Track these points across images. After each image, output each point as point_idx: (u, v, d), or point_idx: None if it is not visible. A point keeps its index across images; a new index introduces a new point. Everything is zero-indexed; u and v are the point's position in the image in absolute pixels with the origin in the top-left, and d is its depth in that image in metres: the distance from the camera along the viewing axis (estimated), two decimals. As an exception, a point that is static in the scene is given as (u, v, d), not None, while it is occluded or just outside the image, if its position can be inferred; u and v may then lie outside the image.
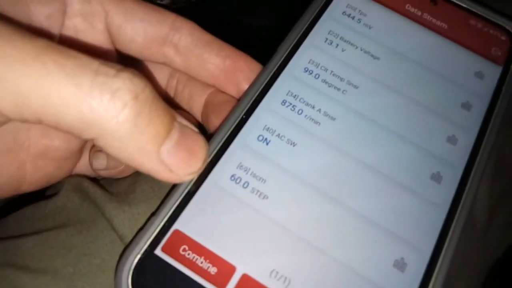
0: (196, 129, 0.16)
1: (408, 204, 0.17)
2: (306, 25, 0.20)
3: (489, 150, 0.19)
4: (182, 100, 0.21)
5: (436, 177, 0.18)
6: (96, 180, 0.21)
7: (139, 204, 0.19)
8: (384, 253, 0.16)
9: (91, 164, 0.20)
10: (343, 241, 0.16)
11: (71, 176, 0.21)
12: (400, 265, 0.16)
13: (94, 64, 0.14)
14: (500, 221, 0.23)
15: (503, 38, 0.22)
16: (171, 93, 0.22)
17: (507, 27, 0.22)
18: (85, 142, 0.20)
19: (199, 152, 0.16)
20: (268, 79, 0.19)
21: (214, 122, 0.19)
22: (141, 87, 0.14)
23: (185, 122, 0.16)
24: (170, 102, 0.21)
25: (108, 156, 0.19)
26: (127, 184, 0.20)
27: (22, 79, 0.13)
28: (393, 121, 0.19)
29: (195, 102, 0.21)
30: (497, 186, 0.22)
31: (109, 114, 0.13)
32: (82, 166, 0.21)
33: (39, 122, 0.14)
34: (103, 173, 0.20)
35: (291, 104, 0.19)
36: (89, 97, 0.13)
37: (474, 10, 0.22)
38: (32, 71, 0.13)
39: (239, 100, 0.19)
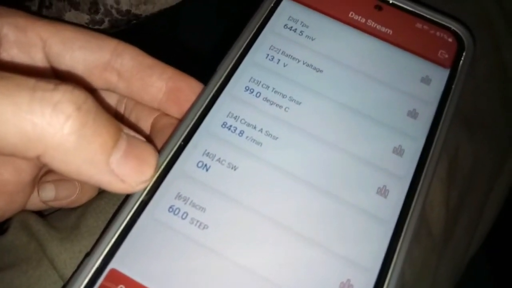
0: (143, 139, 0.16)
1: (353, 222, 0.17)
2: (247, 42, 0.20)
3: (437, 158, 0.18)
4: (130, 125, 0.21)
5: (383, 192, 0.17)
6: (43, 215, 0.21)
7: (81, 241, 0.18)
8: (329, 276, 0.16)
9: (39, 196, 0.19)
10: (288, 266, 0.16)
11: (20, 212, 0.20)
12: (346, 287, 0.16)
13: (31, 81, 0.13)
14: (462, 228, 0.23)
15: (450, 40, 0.22)
16: (119, 118, 0.21)
17: (454, 28, 0.22)
18: (37, 173, 0.20)
19: (150, 160, 0.16)
20: (207, 101, 0.18)
21: (157, 147, 0.19)
22: (82, 98, 0.14)
23: (132, 133, 0.16)
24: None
25: (57, 186, 0.19)
26: (75, 217, 0.20)
27: None
28: (336, 135, 0.18)
29: (142, 127, 0.20)
30: (454, 192, 0.22)
31: (53, 128, 0.13)
32: (36, 199, 0.20)
33: None
34: (54, 204, 0.20)
35: (231, 126, 0.18)
36: (30, 113, 0.13)
37: (420, 13, 0.22)
38: None
39: (177, 124, 0.18)
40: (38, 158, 0.14)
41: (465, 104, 0.23)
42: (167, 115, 0.20)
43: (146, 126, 0.20)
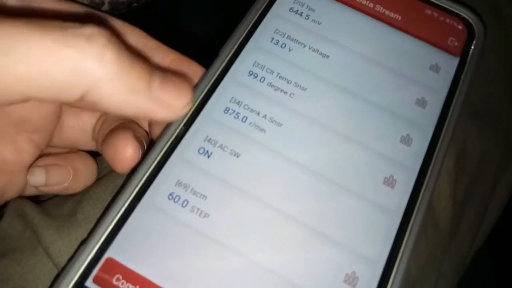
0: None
1: (359, 212, 0.16)
2: (250, 25, 0.19)
3: (445, 149, 0.18)
4: None
5: (390, 182, 0.17)
6: (39, 202, 0.20)
7: (78, 229, 0.17)
8: (334, 267, 0.15)
9: (28, 180, 0.19)
10: (291, 257, 0.15)
11: (15, 199, 0.20)
12: (351, 280, 0.15)
13: (57, 23, 0.13)
14: (467, 222, 0.22)
15: (460, 27, 0.21)
16: None
17: (464, 16, 0.21)
18: (38, 155, 0.19)
19: (186, 85, 0.16)
20: (209, 85, 0.18)
21: (155, 132, 0.18)
22: (109, 33, 0.14)
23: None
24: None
25: (48, 171, 0.18)
26: (72, 204, 0.19)
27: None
28: (343, 123, 0.18)
29: None
30: (461, 185, 0.21)
31: (93, 60, 0.13)
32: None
33: (26, 99, 0.13)
34: (46, 190, 0.19)
35: (234, 111, 0.17)
36: (69, 48, 0.13)
37: (429, -1, 0.21)
38: (6, 46, 0.12)
39: None
40: (83, 98, 0.14)
41: (473, 96, 0.23)
42: None
43: None
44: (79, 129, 0.20)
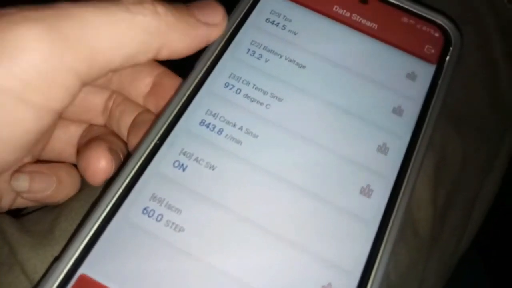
0: None
1: (335, 222, 0.16)
2: (227, 36, 0.19)
3: (422, 157, 0.18)
4: (113, 119, 0.20)
5: (366, 191, 0.17)
6: (20, 216, 0.20)
7: (55, 246, 0.17)
8: (310, 279, 0.15)
9: (11, 185, 0.18)
10: (266, 269, 0.15)
11: None
12: None
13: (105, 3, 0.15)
14: (450, 226, 0.22)
15: (436, 34, 0.21)
16: (107, 113, 0.20)
17: (440, 23, 0.21)
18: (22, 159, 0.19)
19: (213, 4, 0.18)
20: (185, 97, 0.18)
21: (131, 143, 0.18)
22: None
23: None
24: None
25: (32, 178, 0.18)
26: (50, 220, 0.19)
27: (84, 32, 0.14)
28: (319, 133, 0.18)
29: (124, 122, 0.20)
30: (443, 190, 0.21)
31: (154, 17, 0.16)
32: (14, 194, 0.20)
33: (112, 70, 0.16)
34: (29, 196, 0.19)
35: (210, 123, 0.17)
36: (131, 15, 0.15)
37: (406, 7, 0.21)
38: (84, 23, 0.15)
39: (153, 122, 0.17)
40: (158, 53, 0.16)
41: (453, 101, 0.23)
42: (149, 111, 0.19)
43: (128, 121, 0.20)
44: (65, 141, 0.20)
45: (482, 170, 0.24)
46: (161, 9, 0.16)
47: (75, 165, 0.20)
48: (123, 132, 0.19)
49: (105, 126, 0.20)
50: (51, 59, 0.14)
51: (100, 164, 0.16)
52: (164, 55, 0.17)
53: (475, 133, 0.23)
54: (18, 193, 0.19)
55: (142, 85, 0.19)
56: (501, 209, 0.32)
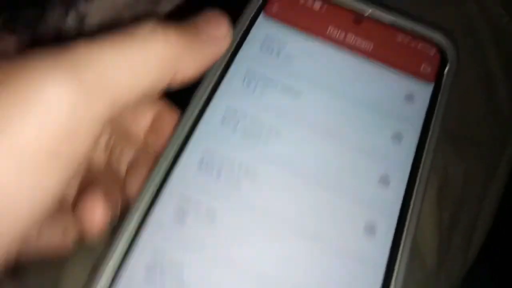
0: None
1: (340, 265, 0.16)
2: (221, 69, 0.19)
3: (425, 185, 0.18)
4: (114, 156, 0.20)
5: (370, 230, 0.17)
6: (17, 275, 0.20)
7: None
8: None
9: None
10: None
11: None
12: None
13: (117, 34, 0.15)
14: (456, 244, 0.23)
15: (432, 52, 0.21)
16: (108, 150, 0.20)
17: (436, 40, 0.21)
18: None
19: (213, 14, 0.18)
20: (182, 138, 0.17)
21: (129, 186, 0.18)
22: (152, 22, 0.16)
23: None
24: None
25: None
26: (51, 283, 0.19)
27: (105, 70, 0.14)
28: (319, 169, 0.18)
29: (124, 159, 0.19)
30: (446, 212, 0.21)
31: (166, 45, 0.15)
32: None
33: (128, 106, 0.15)
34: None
35: (208, 165, 0.17)
36: (143, 45, 0.15)
37: (400, 24, 0.21)
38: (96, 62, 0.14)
39: (152, 168, 0.17)
40: (174, 78, 0.16)
41: (451, 118, 0.22)
42: (148, 148, 0.19)
43: (126, 159, 0.19)
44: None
45: (483, 184, 0.24)
46: (172, 35, 0.16)
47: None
48: (123, 169, 0.19)
49: (105, 163, 0.20)
50: (77, 113, 0.13)
51: (95, 216, 0.16)
52: (178, 80, 0.17)
53: (474, 149, 0.23)
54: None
55: (143, 121, 0.19)
56: (504, 219, 0.32)
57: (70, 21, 0.20)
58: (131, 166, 0.19)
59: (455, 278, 0.23)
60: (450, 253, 0.22)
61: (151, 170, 0.17)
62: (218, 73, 0.19)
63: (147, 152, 0.19)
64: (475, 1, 0.25)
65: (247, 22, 0.20)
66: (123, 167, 0.19)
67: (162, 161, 0.17)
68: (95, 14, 0.20)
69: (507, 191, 0.25)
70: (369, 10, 0.21)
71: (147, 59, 0.15)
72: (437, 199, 0.21)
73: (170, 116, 0.19)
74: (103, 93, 0.14)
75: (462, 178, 0.22)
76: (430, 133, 0.19)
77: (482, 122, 0.23)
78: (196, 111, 0.18)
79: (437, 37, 0.21)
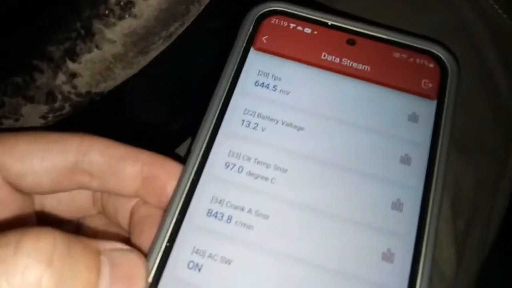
0: (125, 247, 0.15)
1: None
2: (218, 111, 0.19)
3: (439, 205, 0.17)
4: (109, 214, 0.19)
5: (388, 257, 0.16)
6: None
7: None
8: None
9: None
10: None
11: None
12: None
13: None
14: (471, 249, 0.22)
15: (432, 65, 0.20)
16: (99, 206, 0.20)
17: (433, 52, 0.20)
18: None
19: (138, 272, 0.15)
20: (186, 189, 0.17)
21: (136, 241, 0.17)
22: (50, 246, 0.13)
23: (111, 246, 0.15)
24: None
25: None
26: None
27: None
28: (330, 201, 0.17)
29: (121, 216, 0.19)
30: (460, 221, 0.21)
31: None
32: None
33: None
34: None
35: (217, 212, 0.17)
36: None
37: (394, 39, 0.21)
38: None
39: (160, 223, 0.17)
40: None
41: (456, 127, 0.22)
42: (145, 202, 0.18)
43: (125, 215, 0.19)
44: None
45: (494, 184, 0.24)
46: (49, 281, 0.12)
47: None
48: (123, 225, 0.19)
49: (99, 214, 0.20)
50: None
51: None
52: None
53: (482, 154, 0.22)
54: None
55: (130, 181, 0.17)
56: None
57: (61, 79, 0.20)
58: (134, 225, 0.18)
59: (472, 278, 0.23)
60: (466, 257, 0.21)
61: (159, 226, 0.17)
62: (215, 117, 0.18)
63: (146, 208, 0.18)
64: (470, 2, 0.25)
65: (237, 61, 0.19)
66: (122, 221, 0.19)
67: (169, 216, 0.17)
68: (84, 69, 0.20)
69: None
70: (360, 29, 0.20)
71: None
72: (451, 213, 0.20)
73: (165, 170, 0.18)
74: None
75: (473, 184, 0.21)
76: (438, 151, 0.18)
77: (487, 124, 0.23)
78: (198, 160, 0.18)
79: (434, 48, 0.20)
